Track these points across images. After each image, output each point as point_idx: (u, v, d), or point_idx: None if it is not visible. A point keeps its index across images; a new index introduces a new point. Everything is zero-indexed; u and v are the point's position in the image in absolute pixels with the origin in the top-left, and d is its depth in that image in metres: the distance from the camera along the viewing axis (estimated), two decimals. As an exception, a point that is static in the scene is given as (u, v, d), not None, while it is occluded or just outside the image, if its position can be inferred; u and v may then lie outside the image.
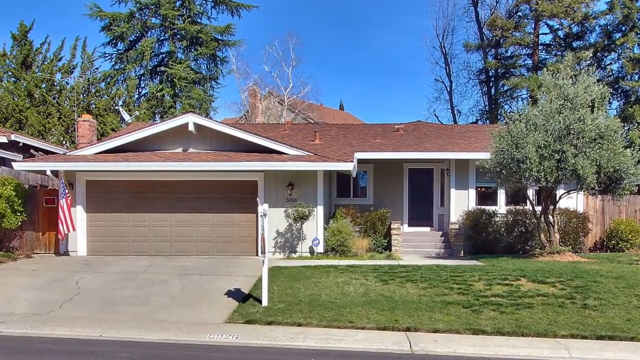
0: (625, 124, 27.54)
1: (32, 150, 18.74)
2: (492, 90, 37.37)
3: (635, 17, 29.79)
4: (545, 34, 35.05)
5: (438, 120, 39.73)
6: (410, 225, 17.94)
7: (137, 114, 28.74)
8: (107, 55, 31.40)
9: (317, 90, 62.86)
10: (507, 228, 15.88)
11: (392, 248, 15.49)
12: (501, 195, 17.21)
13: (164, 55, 32.22)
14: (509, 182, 13.63)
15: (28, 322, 8.53)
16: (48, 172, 14.71)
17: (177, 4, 31.41)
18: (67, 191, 14.19)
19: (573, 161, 12.48)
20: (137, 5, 30.90)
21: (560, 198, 14.73)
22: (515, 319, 8.39)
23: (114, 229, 15.04)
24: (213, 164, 14.31)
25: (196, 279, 11.46)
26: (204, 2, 32.46)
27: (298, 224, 14.77)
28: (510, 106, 35.76)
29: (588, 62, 24.27)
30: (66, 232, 14.22)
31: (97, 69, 30.21)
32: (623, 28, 30.86)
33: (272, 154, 14.91)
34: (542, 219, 14.25)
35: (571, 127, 12.72)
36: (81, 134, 19.00)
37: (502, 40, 34.37)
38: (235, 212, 14.86)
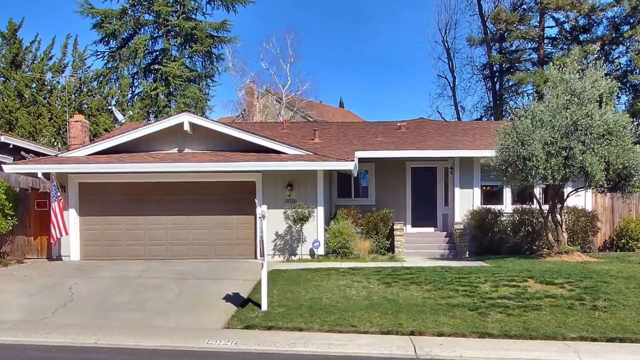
0: (635, 119, 26.92)
1: (22, 152, 18.39)
2: (497, 86, 36.88)
3: (643, 9, 29.28)
4: (551, 27, 34.57)
5: (441, 117, 39.42)
6: (413, 225, 17.65)
7: (131, 113, 28.33)
8: (99, 53, 30.78)
9: (316, 88, 61.92)
10: (514, 228, 15.64)
11: (395, 249, 15.23)
12: (507, 194, 16.90)
13: (157, 53, 31.66)
14: (515, 180, 13.39)
15: (20, 329, 8.41)
16: (39, 175, 14.41)
17: (171, -1, 30.98)
18: (59, 194, 13.91)
19: (581, 158, 12.25)
20: (130, 1, 30.33)
21: (568, 196, 14.45)
22: (523, 322, 8.26)
23: (108, 233, 14.75)
24: (209, 164, 14.04)
25: (193, 283, 11.27)
26: (198, -3, 31.97)
27: (298, 226, 14.49)
28: (515, 102, 35.27)
29: (595, 55, 24.09)
30: (59, 236, 13.94)
31: (88, 67, 29.78)
32: (631, 20, 30.41)
33: (271, 154, 14.64)
34: (550, 218, 14.03)
35: (578, 123, 12.48)
36: (73, 135, 18.72)
37: (506, 34, 33.79)
38: (233, 214, 14.57)
